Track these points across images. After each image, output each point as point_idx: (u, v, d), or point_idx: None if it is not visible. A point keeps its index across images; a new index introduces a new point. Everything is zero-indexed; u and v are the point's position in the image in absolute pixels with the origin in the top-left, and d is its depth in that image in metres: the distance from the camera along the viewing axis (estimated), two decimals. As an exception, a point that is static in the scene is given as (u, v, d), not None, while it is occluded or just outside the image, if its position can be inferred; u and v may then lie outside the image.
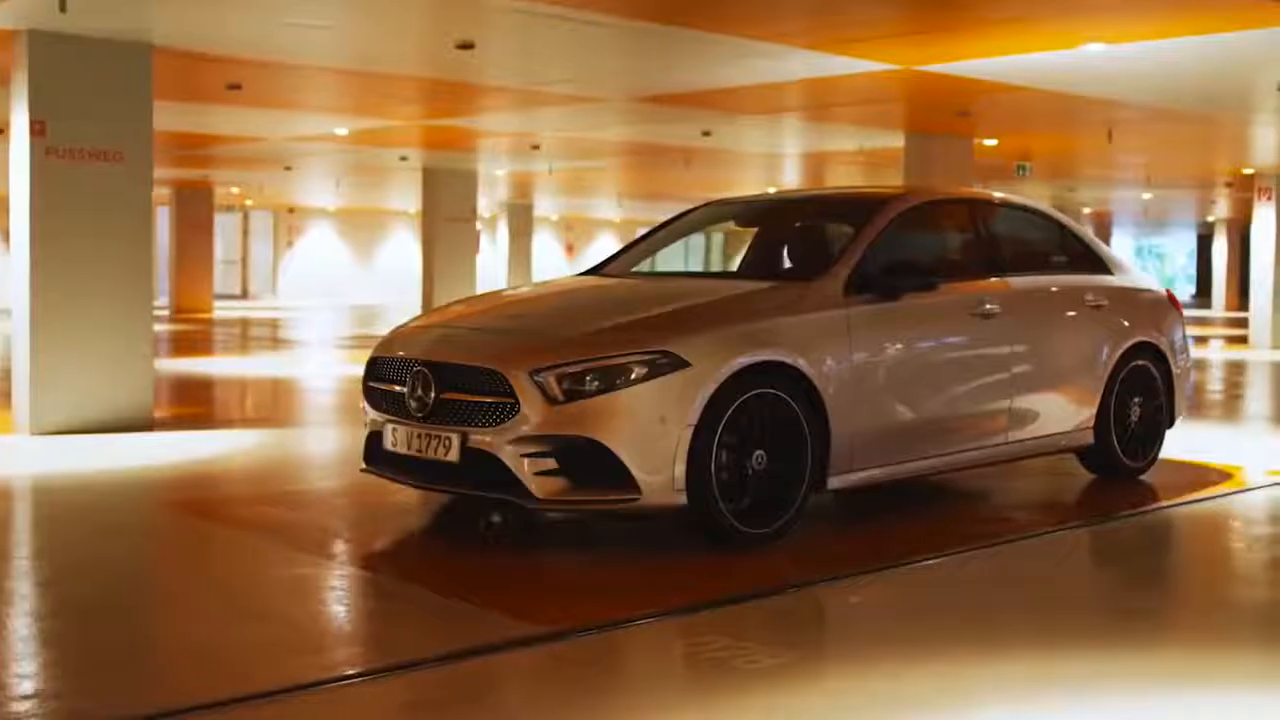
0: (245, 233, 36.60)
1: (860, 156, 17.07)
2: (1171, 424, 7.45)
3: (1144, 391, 7.21)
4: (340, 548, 5.62)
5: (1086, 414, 6.88)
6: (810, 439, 5.49)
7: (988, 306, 6.36)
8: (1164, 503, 6.72)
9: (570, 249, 44.21)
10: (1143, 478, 7.19)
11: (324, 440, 8.91)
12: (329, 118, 13.85)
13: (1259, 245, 19.65)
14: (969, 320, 6.30)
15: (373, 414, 5.80)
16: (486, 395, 5.23)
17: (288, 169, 21.49)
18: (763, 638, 4.20)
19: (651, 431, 5.11)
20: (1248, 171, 19.41)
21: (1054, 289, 6.91)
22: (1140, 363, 7.17)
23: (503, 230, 32.04)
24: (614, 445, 5.06)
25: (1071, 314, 6.90)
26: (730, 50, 9.19)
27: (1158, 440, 7.34)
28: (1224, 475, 7.43)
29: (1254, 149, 16.73)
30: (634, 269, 7.01)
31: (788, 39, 8.81)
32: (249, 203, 33.80)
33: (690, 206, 7.54)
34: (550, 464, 5.12)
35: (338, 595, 4.88)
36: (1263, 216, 19.56)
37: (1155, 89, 10.70)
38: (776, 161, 20.35)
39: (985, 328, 6.36)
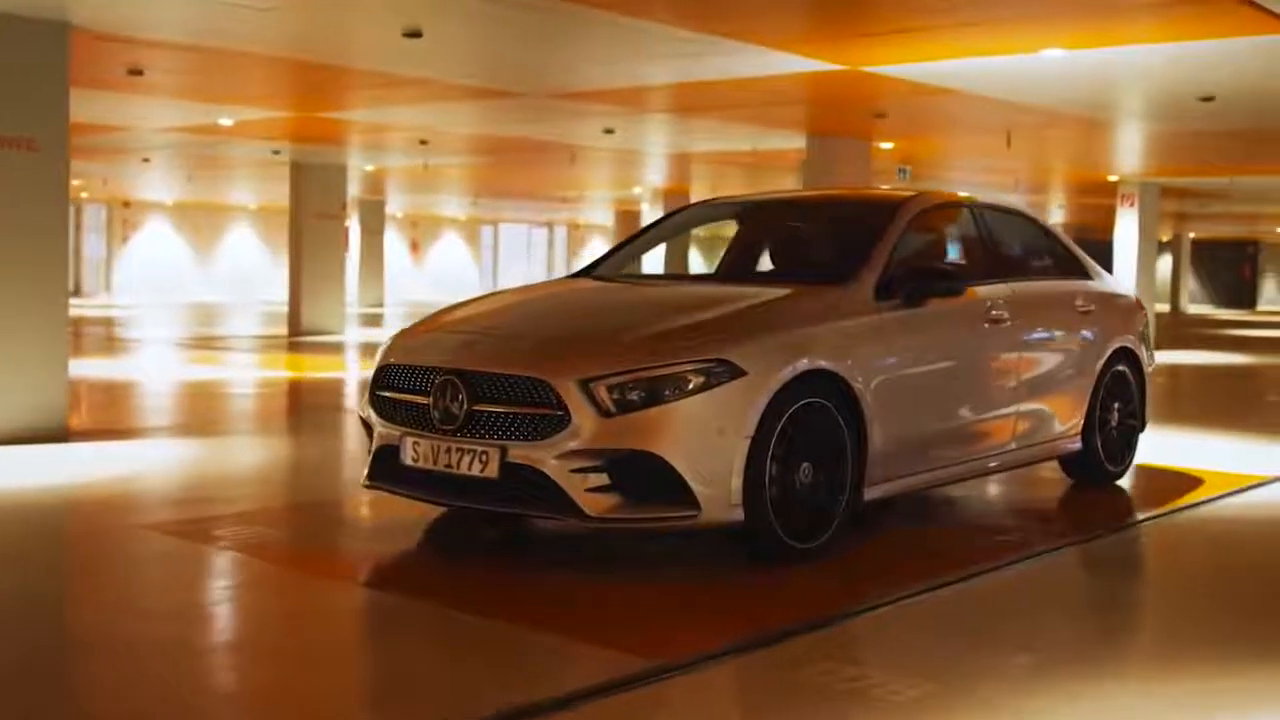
0: (77, 227, 34.82)
1: (752, 157, 17.02)
2: (1143, 427, 7.50)
3: (1122, 396, 7.24)
4: (349, 569, 5.22)
5: (1077, 419, 6.86)
6: (850, 449, 5.30)
7: (996, 312, 6.27)
8: (1167, 508, 6.70)
9: (415, 247, 43.36)
10: (1116, 483, 7.22)
11: (266, 450, 8.33)
12: (219, 107, 13.13)
13: (1122, 249, 20.31)
14: (983, 326, 6.20)
15: (383, 426, 5.38)
16: (529, 406, 4.88)
17: (146, 160, 20.43)
18: (879, 664, 3.98)
19: (710, 444, 4.84)
20: (1112, 178, 20.01)
21: (1050, 294, 6.87)
22: (1120, 368, 7.19)
23: (354, 228, 31.18)
24: (674, 459, 4.77)
25: (1066, 320, 6.87)
26: (680, 45, 8.94)
27: (1133, 444, 7.39)
28: (1193, 480, 7.49)
29: (1125, 156, 17.22)
30: (623, 271, 6.74)
31: (744, 36, 8.62)
32: (84, 195, 32.17)
33: (680, 207, 7.29)
34: (602, 479, 4.79)
35: (369, 626, 4.48)
36: (1125, 222, 20.23)
37: (1083, 96, 10.86)
38: (649, 160, 20.13)
39: (996, 333, 6.27)
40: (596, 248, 50.43)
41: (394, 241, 40.74)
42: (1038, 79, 9.97)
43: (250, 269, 37.80)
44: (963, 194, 7.06)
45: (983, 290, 6.29)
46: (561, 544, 5.64)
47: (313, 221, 19.83)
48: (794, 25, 8.48)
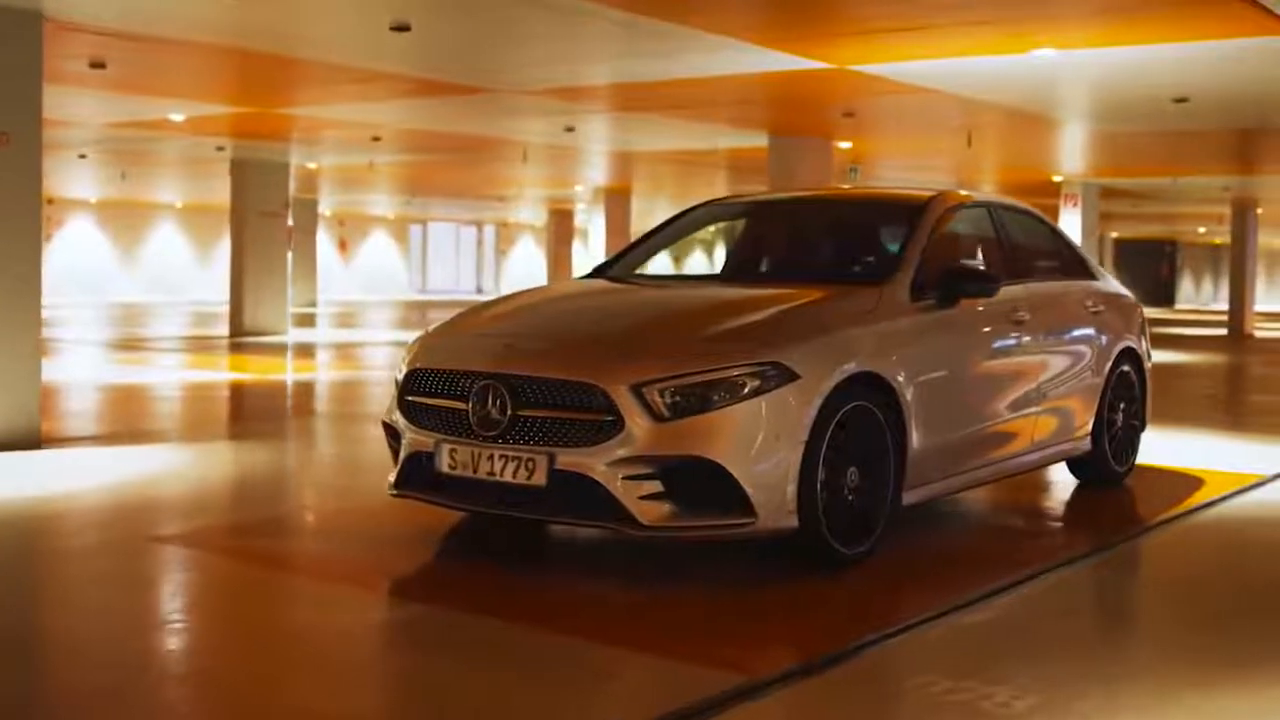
0: None
1: (691, 156, 16.97)
2: (1144, 427, 7.51)
3: (1126, 396, 7.24)
4: (371, 578, 5.03)
5: (1089, 420, 6.85)
6: (893, 452, 5.21)
7: (1019, 313, 6.22)
8: (1180, 510, 6.68)
9: (343, 246, 42.74)
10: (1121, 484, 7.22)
11: (253, 455, 8.04)
12: (174, 102, 12.75)
13: (1065, 249, 20.52)
14: (1009, 327, 6.15)
15: (414, 433, 5.18)
16: (578, 411, 4.73)
17: (82, 156, 19.84)
18: (971, 675, 3.86)
19: (766, 449, 4.72)
20: (1056, 178, 20.21)
21: (1064, 295, 6.85)
22: (1125, 368, 7.20)
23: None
24: (731, 465, 4.65)
25: (1080, 320, 6.85)
26: (668, 41, 8.81)
27: (1135, 444, 7.40)
28: (1191, 479, 7.51)
29: (1072, 156, 17.39)
30: (634, 272, 6.59)
31: (736, 33, 8.52)
32: (4, 193, 31.23)
33: (689, 206, 7.12)
34: (655, 487, 4.66)
35: (436, 643, 4.29)
36: (1068, 221, 20.47)
37: (1061, 96, 10.91)
38: (595, 158, 19.94)
39: (1020, 335, 6.23)
40: (526, 247, 50.11)
41: (322, 240, 40.15)
42: (1020, 79, 9.99)
43: (175, 268, 37.06)
44: (964, 192, 7.01)
45: (1005, 291, 6.23)
46: (586, 551, 5.48)
47: (255, 219, 19.42)
48: (784, 23, 8.40)
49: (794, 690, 3.73)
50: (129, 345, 17.70)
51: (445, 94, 11.55)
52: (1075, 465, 7.14)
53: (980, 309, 5.92)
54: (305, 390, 12.58)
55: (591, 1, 7.49)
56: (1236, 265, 26.98)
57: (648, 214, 36.89)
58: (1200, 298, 52.11)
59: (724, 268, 7.04)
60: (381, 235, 44.48)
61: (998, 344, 6.09)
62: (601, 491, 4.65)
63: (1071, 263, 7.26)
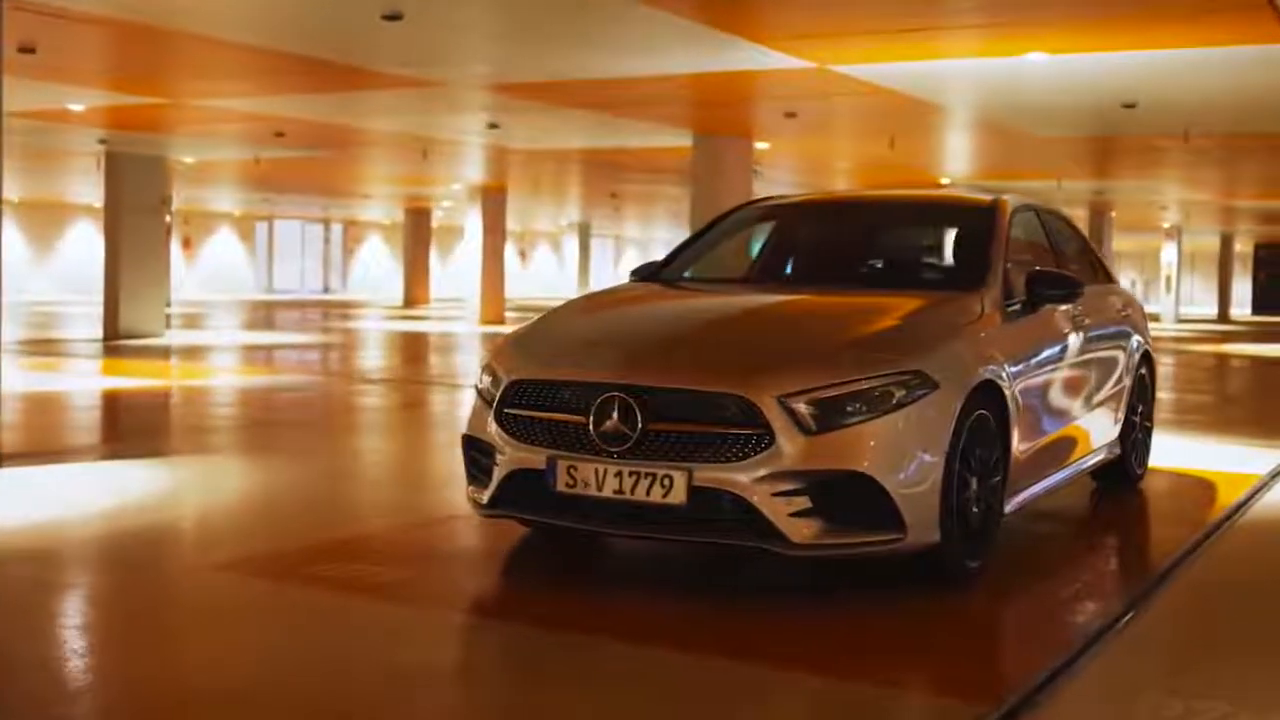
0: None
1: (625, 157, 16.79)
2: (1152, 428, 7.59)
3: (1143, 398, 7.30)
4: (481, 604, 4.76)
5: (1120, 422, 6.88)
6: (1002, 461, 5.11)
7: (1080, 317, 6.20)
8: (1219, 513, 6.72)
9: (187, 244, 41.17)
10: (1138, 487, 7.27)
11: (232, 471, 7.52)
12: (78, 90, 11.92)
13: (950, 251, 20.90)
14: (1076, 331, 6.12)
15: (518, 449, 4.83)
16: (720, 425, 4.48)
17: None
18: (1185, 691, 3.74)
19: (914, 462, 4.56)
20: (944, 180, 20.58)
21: (1101, 298, 6.85)
22: (1142, 370, 7.26)
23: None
24: (884, 479, 4.47)
25: (1117, 323, 6.88)
26: (657, 35, 8.58)
27: (1149, 446, 7.46)
28: (1200, 480, 7.61)
29: (966, 160, 17.71)
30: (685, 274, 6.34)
31: (725, 29, 8.34)
32: None
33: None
34: (803, 503, 4.44)
35: (556, 667, 4.00)
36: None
37: (1023, 100, 10.99)
38: (478, 155, 19.45)
39: (1080, 339, 6.20)
40: (374, 246, 49.08)
41: (165, 238, 38.55)
42: (992, 83, 10.04)
43: (9, 267, 35.16)
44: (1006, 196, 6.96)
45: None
46: (658, 565, 5.26)
47: (130, 216, 18.44)
48: (790, 23, 8.26)
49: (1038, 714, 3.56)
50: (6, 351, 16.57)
51: (388, 88, 11.07)
52: (1098, 468, 7.14)
53: (1055, 314, 5.87)
54: (231, 397, 11.91)
55: None
56: (1094, 266, 27.91)
57: (515, 213, 36.54)
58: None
59: (793, 271, 6.69)
60: (226, 233, 43.04)
61: (1070, 348, 6.04)
62: (751, 509, 4.42)
63: (1096, 265, 7.28)
